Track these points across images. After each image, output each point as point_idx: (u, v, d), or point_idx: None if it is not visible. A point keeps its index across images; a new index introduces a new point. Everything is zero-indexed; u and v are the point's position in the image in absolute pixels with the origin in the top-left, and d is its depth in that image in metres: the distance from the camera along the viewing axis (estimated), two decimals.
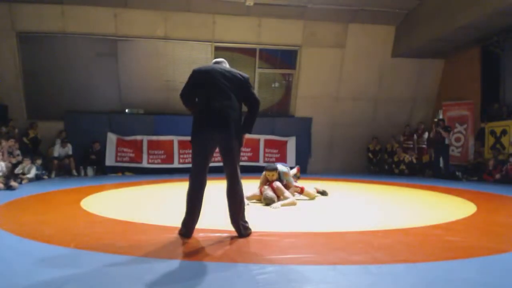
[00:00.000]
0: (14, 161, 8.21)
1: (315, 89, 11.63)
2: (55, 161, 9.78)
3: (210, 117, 3.04)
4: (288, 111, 12.02)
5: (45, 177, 8.81)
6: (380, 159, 11.85)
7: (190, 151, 11.92)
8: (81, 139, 10.32)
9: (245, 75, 3.27)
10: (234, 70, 3.25)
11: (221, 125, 3.03)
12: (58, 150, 9.95)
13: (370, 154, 11.94)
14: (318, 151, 11.97)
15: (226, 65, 3.35)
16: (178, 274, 2.18)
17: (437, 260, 2.48)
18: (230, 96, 3.11)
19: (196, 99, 3.21)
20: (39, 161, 8.75)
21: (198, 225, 3.46)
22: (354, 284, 2.05)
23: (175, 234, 3.11)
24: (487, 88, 10.50)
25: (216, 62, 3.38)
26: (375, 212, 4.58)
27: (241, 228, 3.08)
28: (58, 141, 10.15)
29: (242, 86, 3.18)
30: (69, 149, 10.07)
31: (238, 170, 3.11)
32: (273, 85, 11.84)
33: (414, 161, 11.04)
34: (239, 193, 3.09)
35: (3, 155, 7.83)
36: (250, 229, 3.13)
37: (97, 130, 10.59)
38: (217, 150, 3.17)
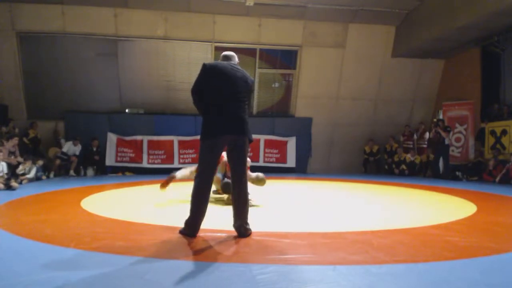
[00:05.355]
0: (15, 162, 8.19)
1: (315, 89, 11.64)
2: (57, 161, 9.79)
3: (226, 121, 3.02)
4: (288, 111, 12.02)
5: (44, 177, 8.80)
6: (378, 160, 11.83)
7: (191, 151, 11.79)
8: (81, 139, 10.32)
9: (251, 78, 3.28)
10: (243, 70, 3.22)
11: (238, 130, 3.05)
12: (68, 147, 9.98)
13: (365, 156, 11.92)
14: (318, 151, 11.98)
15: (235, 59, 3.32)
16: (178, 274, 2.18)
17: (437, 260, 2.48)
18: (243, 98, 3.12)
19: (206, 96, 3.11)
20: (40, 162, 8.75)
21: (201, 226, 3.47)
22: (354, 284, 2.05)
23: (175, 234, 3.10)
24: (487, 88, 10.51)
25: (226, 56, 3.31)
26: (375, 212, 4.57)
27: (242, 228, 3.08)
28: (63, 141, 10.20)
29: (248, 91, 3.20)
30: (78, 148, 10.11)
31: (245, 172, 3.14)
32: (273, 85, 11.85)
33: (423, 159, 11.00)
34: (245, 194, 3.11)
35: (3, 155, 7.82)
36: (250, 229, 3.13)
37: (97, 130, 10.61)
38: None
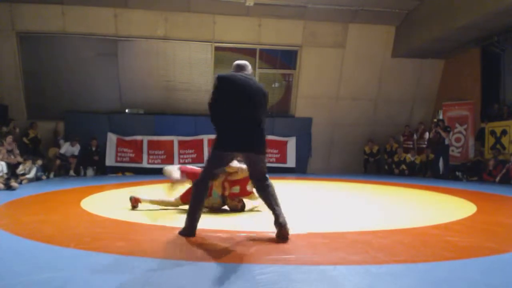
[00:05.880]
0: (15, 161, 8.18)
1: (315, 89, 11.64)
2: (57, 161, 9.78)
3: (241, 137, 2.98)
4: (288, 111, 12.02)
5: (44, 177, 8.78)
6: (378, 160, 11.83)
7: (191, 151, 11.67)
8: (81, 139, 10.31)
9: (266, 90, 3.22)
10: (257, 82, 3.18)
11: (252, 148, 3.03)
12: (66, 148, 9.96)
13: (365, 156, 11.92)
14: (318, 151, 11.98)
15: (249, 68, 3.25)
16: (178, 274, 2.18)
17: (437, 261, 2.48)
18: (260, 111, 3.09)
19: (223, 109, 3.04)
20: (39, 162, 8.74)
21: (198, 225, 3.47)
22: (354, 284, 2.05)
23: (175, 234, 3.10)
24: (487, 88, 10.50)
25: (239, 66, 3.22)
26: (375, 212, 4.57)
27: (284, 222, 3.00)
28: (62, 141, 10.19)
29: (264, 103, 3.18)
30: (77, 149, 10.09)
31: (266, 176, 3.16)
32: (273, 85, 11.84)
33: (422, 159, 10.98)
34: (273, 193, 3.11)
35: (3, 155, 7.81)
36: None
37: (97, 130, 10.61)
38: None
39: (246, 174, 4.17)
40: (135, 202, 4.49)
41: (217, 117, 3.04)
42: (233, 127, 3.00)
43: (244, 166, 4.17)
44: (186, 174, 4.18)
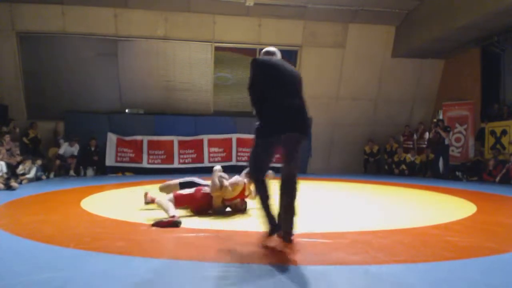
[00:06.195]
0: (15, 162, 8.17)
1: (315, 89, 11.62)
2: (57, 161, 9.77)
3: (288, 118, 2.81)
4: None
5: (44, 177, 8.77)
6: (378, 160, 11.83)
7: (191, 151, 11.50)
8: (81, 139, 10.31)
9: (299, 73, 3.11)
10: (291, 66, 3.08)
11: (299, 128, 2.86)
12: (65, 148, 9.95)
13: (365, 156, 11.92)
14: (318, 151, 11.97)
15: (278, 55, 3.15)
16: (178, 274, 2.18)
17: (437, 261, 2.48)
18: (300, 93, 2.98)
19: (264, 92, 2.88)
20: (39, 162, 8.73)
21: (198, 226, 3.47)
22: (354, 284, 2.05)
23: (175, 234, 3.10)
24: (487, 88, 10.51)
25: (269, 52, 3.13)
26: (375, 212, 4.57)
27: (286, 236, 2.84)
28: (62, 141, 10.18)
29: (301, 85, 3.04)
30: (76, 149, 10.08)
31: (295, 173, 2.89)
32: None
33: (422, 159, 10.97)
34: (290, 199, 2.85)
35: (3, 155, 7.80)
36: (292, 240, 2.89)
37: (97, 130, 10.60)
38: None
39: (240, 188, 4.09)
40: (149, 200, 4.48)
41: (257, 101, 2.89)
42: (281, 110, 2.81)
43: (239, 179, 4.05)
44: (183, 200, 4.02)
